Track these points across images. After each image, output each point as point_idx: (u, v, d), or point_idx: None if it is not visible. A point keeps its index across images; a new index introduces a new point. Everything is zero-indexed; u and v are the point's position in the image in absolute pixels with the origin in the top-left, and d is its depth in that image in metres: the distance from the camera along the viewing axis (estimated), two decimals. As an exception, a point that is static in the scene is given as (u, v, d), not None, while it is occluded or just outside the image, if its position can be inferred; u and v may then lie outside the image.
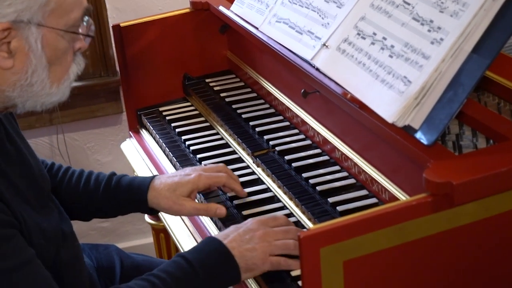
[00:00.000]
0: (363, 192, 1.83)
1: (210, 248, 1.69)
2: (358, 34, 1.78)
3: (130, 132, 2.54)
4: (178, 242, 2.03)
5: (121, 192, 1.94)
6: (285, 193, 1.93)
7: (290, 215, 1.87)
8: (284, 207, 1.91)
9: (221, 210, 1.85)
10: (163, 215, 2.09)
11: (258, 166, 2.08)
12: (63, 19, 1.56)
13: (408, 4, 1.69)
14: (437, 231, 1.44)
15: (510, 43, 1.77)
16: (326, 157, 2.00)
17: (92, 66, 3.27)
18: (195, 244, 1.95)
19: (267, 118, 2.25)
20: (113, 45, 2.80)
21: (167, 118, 2.44)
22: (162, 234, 2.57)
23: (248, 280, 1.72)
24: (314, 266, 1.38)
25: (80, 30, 1.62)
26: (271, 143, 2.11)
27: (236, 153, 2.18)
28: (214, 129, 2.34)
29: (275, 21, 2.10)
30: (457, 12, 1.57)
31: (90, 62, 3.25)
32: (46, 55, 1.55)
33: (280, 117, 2.25)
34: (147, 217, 2.53)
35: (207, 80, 2.55)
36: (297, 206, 1.87)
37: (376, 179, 1.78)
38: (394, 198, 1.71)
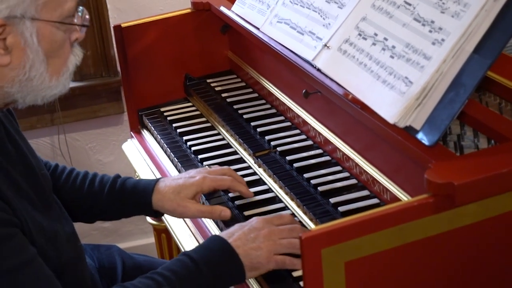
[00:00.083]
0: (365, 193, 1.83)
1: (215, 247, 1.69)
2: (359, 34, 1.78)
3: (131, 133, 2.54)
4: (180, 243, 2.03)
5: (125, 194, 1.94)
6: (286, 194, 1.93)
7: (292, 215, 1.87)
8: (285, 208, 1.91)
9: (226, 212, 1.85)
10: (164, 215, 2.09)
11: (259, 167, 2.08)
12: (56, 11, 1.55)
13: (409, 4, 1.69)
14: (439, 232, 1.43)
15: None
16: (327, 158, 2.00)
17: (94, 66, 3.27)
18: (196, 244, 1.95)
19: (269, 118, 2.25)
20: (114, 45, 2.81)
21: (168, 118, 2.44)
22: (163, 235, 2.57)
23: (250, 280, 1.72)
24: (315, 267, 1.38)
25: (75, 21, 1.61)
26: (272, 143, 2.11)
27: (238, 154, 2.18)
28: (215, 129, 2.34)
29: (276, 22, 2.10)
30: (458, 12, 1.57)
31: (91, 62, 3.26)
32: (43, 49, 1.55)
33: (282, 118, 2.25)
34: (148, 218, 2.53)
35: (208, 81, 2.55)
36: (298, 206, 1.87)
37: (378, 180, 1.78)
38: (395, 199, 1.71)
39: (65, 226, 1.76)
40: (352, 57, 1.77)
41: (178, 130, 2.35)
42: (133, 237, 3.61)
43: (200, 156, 2.18)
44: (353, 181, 1.89)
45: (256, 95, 2.41)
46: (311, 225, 1.81)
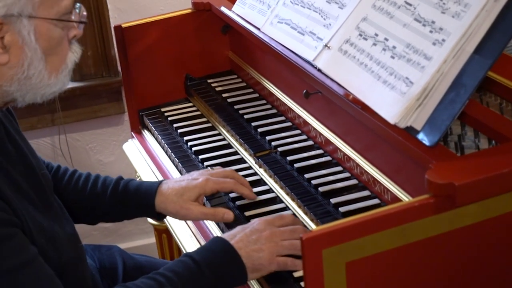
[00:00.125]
0: (366, 193, 1.83)
1: (217, 248, 1.69)
2: (360, 35, 1.78)
3: (132, 133, 2.54)
4: (181, 243, 2.03)
5: (128, 196, 1.94)
6: (287, 194, 1.93)
7: (293, 215, 1.87)
8: (286, 208, 1.91)
9: (229, 215, 1.85)
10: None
11: (260, 167, 2.08)
12: (53, 8, 1.55)
13: (410, 5, 1.69)
14: (439, 232, 1.43)
15: (512, 43, 1.77)
16: (328, 158, 2.00)
17: (94, 67, 3.27)
18: (197, 244, 1.95)
19: (269, 118, 2.25)
20: (115, 45, 2.81)
21: (169, 118, 2.44)
22: (164, 235, 2.57)
23: (251, 280, 1.72)
24: (316, 268, 1.38)
25: (72, 18, 1.61)
26: (273, 143, 2.11)
27: (238, 154, 2.18)
28: (216, 129, 2.34)
29: (277, 22, 2.10)
30: (458, 13, 1.57)
31: (92, 63, 3.26)
32: (41, 46, 1.55)
33: (282, 118, 2.25)
34: (149, 218, 2.53)
35: (209, 81, 2.55)
36: (299, 207, 1.87)
37: (379, 180, 1.78)
38: (396, 199, 1.71)
39: (65, 226, 1.76)
40: (353, 57, 1.77)
41: (179, 130, 2.35)
42: (134, 237, 3.62)
43: (200, 157, 2.18)
44: (354, 181, 1.89)
45: (256, 95, 2.42)
46: (312, 225, 1.81)
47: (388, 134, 1.61)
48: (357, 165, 1.87)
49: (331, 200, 1.82)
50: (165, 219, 2.11)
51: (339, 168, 1.95)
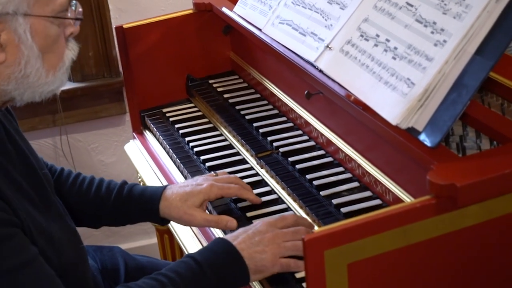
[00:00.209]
0: (367, 194, 1.83)
1: (219, 249, 1.69)
2: (361, 35, 1.78)
3: (133, 134, 2.54)
4: (182, 243, 2.03)
5: (132, 201, 1.94)
6: (289, 195, 1.93)
7: (295, 215, 1.87)
8: (288, 209, 1.91)
9: (232, 223, 1.84)
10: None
11: (262, 168, 2.08)
12: (49, 6, 1.55)
13: (411, 5, 1.69)
14: (441, 233, 1.44)
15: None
16: (330, 159, 2.00)
17: (95, 67, 3.27)
18: (199, 245, 1.95)
19: (271, 119, 2.26)
20: (116, 45, 2.81)
21: (171, 119, 2.44)
22: (166, 235, 2.57)
23: (253, 282, 1.72)
24: (318, 269, 1.38)
25: (68, 15, 1.61)
26: (274, 144, 2.11)
27: (240, 155, 2.19)
28: (217, 130, 2.34)
29: (278, 23, 2.10)
30: (460, 14, 1.57)
31: (93, 63, 3.26)
32: (37, 44, 1.55)
33: (284, 118, 2.25)
34: (151, 219, 2.53)
35: (210, 81, 2.55)
36: (301, 207, 1.87)
37: (380, 181, 1.78)
38: (398, 200, 1.71)
39: (66, 226, 1.76)
40: (354, 58, 1.77)
41: (180, 131, 2.35)
42: (136, 237, 3.62)
43: (202, 157, 2.19)
44: (356, 182, 1.89)
45: (258, 95, 2.42)
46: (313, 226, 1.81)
47: (389, 135, 1.61)
48: (359, 165, 1.87)
49: (332, 200, 1.82)
50: (167, 220, 2.11)
51: (340, 169, 1.95)
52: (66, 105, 3.23)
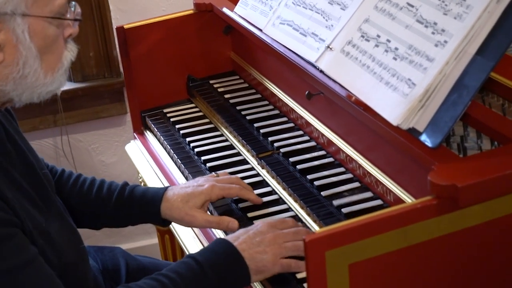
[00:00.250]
0: (368, 194, 1.83)
1: (220, 250, 1.69)
2: (362, 36, 1.78)
3: (134, 134, 2.54)
4: (183, 244, 2.03)
5: (134, 202, 1.94)
6: (290, 195, 1.93)
7: (295, 217, 1.87)
8: (289, 209, 1.91)
9: (233, 224, 1.85)
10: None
11: (262, 168, 2.08)
12: (47, 6, 1.55)
13: (412, 6, 1.69)
14: (442, 234, 1.44)
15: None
16: (330, 159, 2.00)
17: (96, 67, 3.27)
18: (200, 246, 1.95)
19: (272, 119, 2.26)
20: (117, 46, 2.81)
21: (171, 119, 2.44)
22: (167, 236, 2.57)
23: (254, 282, 1.72)
24: (319, 270, 1.38)
25: (67, 16, 1.60)
26: (275, 144, 2.11)
27: (241, 155, 2.19)
28: (218, 130, 2.34)
29: (279, 23, 2.10)
30: (461, 14, 1.57)
31: (94, 63, 3.26)
32: (36, 45, 1.54)
33: (285, 119, 2.25)
34: (152, 219, 2.53)
35: (211, 82, 2.55)
36: (302, 208, 1.87)
37: (381, 181, 1.78)
38: (399, 200, 1.71)
39: (66, 226, 1.76)
40: (355, 58, 1.77)
41: (181, 131, 2.35)
42: (137, 238, 3.62)
43: (203, 158, 2.19)
44: (356, 182, 1.89)
45: (259, 96, 2.42)
46: (315, 226, 1.81)
47: (390, 135, 1.62)
48: (360, 166, 1.87)
49: (333, 201, 1.82)
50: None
51: (341, 169, 1.95)
52: (66, 105, 3.23)
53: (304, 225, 1.84)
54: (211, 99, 2.46)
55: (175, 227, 2.07)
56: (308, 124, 2.11)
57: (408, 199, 1.69)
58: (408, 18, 1.69)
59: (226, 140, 2.28)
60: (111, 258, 2.10)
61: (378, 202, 1.80)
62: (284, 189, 1.96)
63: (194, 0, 2.51)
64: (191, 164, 2.19)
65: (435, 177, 1.43)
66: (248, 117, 2.28)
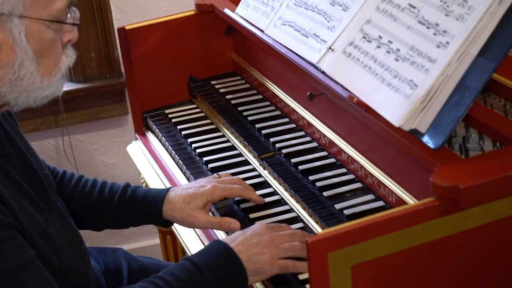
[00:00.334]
0: (370, 195, 1.84)
1: (217, 251, 1.69)
2: (364, 37, 1.78)
3: (136, 135, 2.54)
4: (185, 244, 2.03)
5: (135, 203, 1.94)
6: (292, 196, 1.93)
7: (297, 218, 1.88)
8: (291, 210, 1.91)
9: (235, 224, 1.85)
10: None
11: (264, 169, 2.08)
12: (46, 10, 1.54)
13: (414, 7, 1.69)
14: (444, 235, 1.44)
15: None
16: (332, 160, 2.01)
17: (97, 68, 3.27)
18: (201, 246, 1.96)
19: (273, 120, 2.26)
20: (118, 46, 2.81)
21: (173, 120, 2.44)
22: (168, 236, 2.57)
23: (256, 283, 1.72)
24: (322, 271, 1.38)
25: (67, 21, 1.60)
26: (277, 145, 2.11)
27: (242, 156, 2.19)
28: (220, 131, 2.34)
29: (281, 24, 2.10)
30: (462, 15, 1.57)
31: (95, 64, 3.26)
32: (32, 47, 1.54)
33: (286, 119, 2.25)
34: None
35: (212, 82, 2.55)
36: (304, 209, 1.87)
37: (383, 182, 1.78)
38: (401, 201, 1.71)
39: (67, 227, 1.76)
40: (357, 59, 1.77)
41: (183, 132, 2.35)
42: (138, 238, 3.62)
43: (205, 158, 2.19)
44: (358, 183, 1.89)
45: (260, 97, 2.42)
46: (316, 227, 1.81)
47: (392, 136, 1.62)
48: (362, 166, 1.87)
49: (335, 202, 1.82)
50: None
51: (343, 170, 1.95)
52: (68, 106, 3.24)
53: (306, 225, 1.84)
54: (212, 99, 2.46)
55: (177, 228, 2.07)
56: (310, 125, 2.11)
57: (410, 200, 1.69)
58: (410, 19, 1.69)
59: (228, 141, 2.28)
60: (113, 259, 2.10)
61: (380, 203, 1.80)
62: (286, 190, 1.96)
63: (196, 0, 2.51)
64: (192, 165, 2.19)
65: (437, 178, 1.43)
66: (249, 118, 2.29)
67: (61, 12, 1.57)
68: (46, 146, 3.35)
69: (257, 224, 1.76)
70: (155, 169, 2.33)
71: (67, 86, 3.23)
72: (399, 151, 1.67)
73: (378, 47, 1.73)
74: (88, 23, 3.16)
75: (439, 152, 1.52)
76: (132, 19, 3.00)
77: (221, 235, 1.93)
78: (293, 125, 2.21)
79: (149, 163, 2.38)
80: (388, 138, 1.65)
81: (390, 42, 1.71)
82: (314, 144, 2.09)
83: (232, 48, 2.58)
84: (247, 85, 2.51)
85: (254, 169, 2.11)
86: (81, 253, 1.79)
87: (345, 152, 1.94)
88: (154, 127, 2.45)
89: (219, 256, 1.68)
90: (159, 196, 1.92)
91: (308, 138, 2.13)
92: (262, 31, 2.18)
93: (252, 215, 1.91)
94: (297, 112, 2.18)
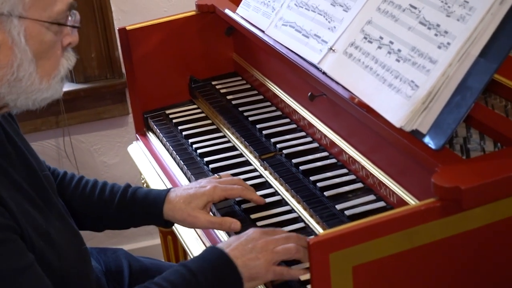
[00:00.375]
0: (371, 195, 1.84)
1: (212, 257, 1.69)
2: (365, 38, 1.78)
3: (136, 135, 2.54)
4: (186, 245, 2.03)
5: (136, 204, 1.94)
6: (293, 197, 1.93)
7: (298, 218, 1.88)
8: (292, 211, 1.91)
9: (236, 224, 1.85)
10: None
11: (265, 169, 2.08)
12: (46, 11, 1.54)
13: (415, 8, 1.69)
14: (446, 236, 1.44)
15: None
16: (333, 160, 2.01)
17: (98, 68, 3.27)
18: (203, 246, 1.96)
19: (274, 120, 2.26)
20: (119, 47, 2.81)
21: (174, 121, 2.44)
22: (169, 237, 2.57)
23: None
24: (323, 272, 1.39)
25: (67, 23, 1.60)
26: (278, 146, 2.11)
27: (243, 156, 2.19)
28: (221, 132, 2.34)
29: (282, 25, 2.10)
30: (464, 16, 1.57)
31: (96, 64, 3.26)
32: (31, 49, 1.53)
33: (287, 120, 2.25)
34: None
35: (213, 83, 2.55)
36: (305, 209, 1.87)
37: (384, 183, 1.78)
38: (402, 202, 1.71)
39: (68, 228, 1.76)
40: (358, 60, 1.77)
41: (184, 133, 2.35)
42: (139, 238, 3.62)
43: (205, 159, 2.19)
44: (359, 184, 1.89)
45: (261, 97, 2.42)
46: (318, 228, 1.81)
47: (393, 137, 1.62)
48: (363, 167, 1.87)
49: (336, 202, 1.82)
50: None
51: (344, 171, 1.95)
52: (68, 107, 3.24)
53: (307, 226, 1.84)
54: (213, 100, 2.46)
55: (178, 228, 2.07)
56: (311, 125, 2.11)
57: (411, 201, 1.69)
58: (411, 19, 1.69)
59: (229, 142, 2.28)
60: (114, 259, 2.10)
61: (381, 203, 1.80)
62: (287, 190, 1.96)
63: (196, 1, 2.51)
64: (193, 165, 2.19)
65: (438, 179, 1.43)
66: (250, 118, 2.29)
67: (61, 14, 1.56)
68: (47, 146, 3.35)
69: (251, 229, 1.75)
70: (156, 170, 2.33)
71: (68, 87, 3.23)
72: (400, 152, 1.67)
73: (379, 47, 1.73)
74: (89, 24, 3.16)
75: (440, 152, 1.53)
76: (133, 19, 3.00)
77: (222, 235, 1.93)
78: (294, 126, 2.21)
79: (150, 163, 2.38)
80: (389, 139, 1.65)
81: (391, 42, 1.71)
82: (315, 145, 2.10)
83: (232, 48, 2.58)
84: (248, 86, 2.51)
85: (255, 170, 2.11)
86: (82, 253, 1.78)
87: (346, 153, 1.94)
88: (155, 127, 2.45)
89: (215, 262, 1.67)
90: (160, 197, 1.92)
91: (309, 139, 2.13)
92: (263, 31, 2.18)
93: (253, 216, 1.91)
94: (298, 113, 2.18)
